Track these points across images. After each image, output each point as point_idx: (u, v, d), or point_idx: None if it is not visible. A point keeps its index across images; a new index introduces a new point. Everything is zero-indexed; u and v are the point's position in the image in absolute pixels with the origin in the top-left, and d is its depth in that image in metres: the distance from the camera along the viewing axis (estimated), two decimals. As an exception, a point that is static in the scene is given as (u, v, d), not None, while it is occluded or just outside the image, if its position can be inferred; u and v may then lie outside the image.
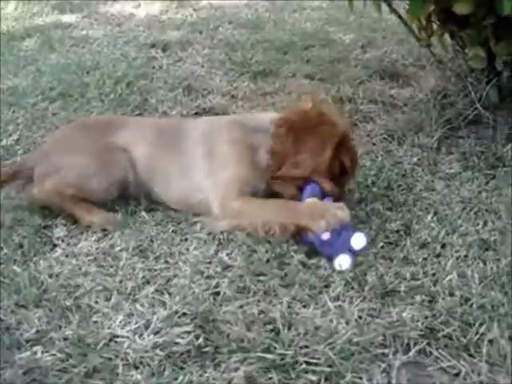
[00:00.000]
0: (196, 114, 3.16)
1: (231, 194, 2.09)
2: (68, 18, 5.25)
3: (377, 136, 2.84)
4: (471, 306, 1.72)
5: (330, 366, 1.52)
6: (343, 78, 3.60)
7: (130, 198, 2.30)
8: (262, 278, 1.87)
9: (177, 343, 1.61)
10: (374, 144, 2.78)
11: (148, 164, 2.28)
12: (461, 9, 2.46)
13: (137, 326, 1.67)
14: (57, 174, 2.22)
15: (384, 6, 2.90)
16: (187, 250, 2.03)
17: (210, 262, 1.96)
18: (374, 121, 3.03)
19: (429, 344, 1.61)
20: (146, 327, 1.66)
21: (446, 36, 2.92)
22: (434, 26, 2.89)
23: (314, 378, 1.49)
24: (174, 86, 3.51)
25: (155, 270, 1.93)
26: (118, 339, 1.62)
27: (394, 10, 2.92)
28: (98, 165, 2.23)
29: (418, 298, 1.75)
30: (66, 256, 2.01)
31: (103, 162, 2.24)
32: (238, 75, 3.71)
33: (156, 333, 1.64)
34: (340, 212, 1.94)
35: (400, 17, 2.94)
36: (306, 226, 1.95)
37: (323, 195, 2.07)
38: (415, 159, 2.60)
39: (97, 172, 2.22)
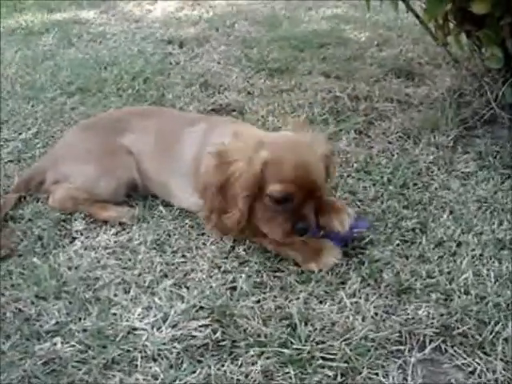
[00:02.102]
0: (212, 110, 3.17)
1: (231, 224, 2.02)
2: (85, 14, 5.28)
3: (392, 134, 2.84)
4: (486, 304, 1.72)
5: (346, 362, 1.53)
6: (359, 77, 3.60)
7: (140, 196, 2.32)
8: (278, 273, 1.89)
9: (194, 336, 1.63)
10: (390, 142, 2.78)
11: (150, 171, 2.30)
12: (478, 8, 2.46)
13: (155, 318, 1.69)
14: (66, 180, 2.27)
15: (400, 5, 2.90)
16: (204, 244, 2.05)
17: (226, 257, 1.98)
18: (390, 119, 3.03)
19: (444, 341, 1.62)
20: (164, 320, 1.68)
21: (463, 35, 2.91)
22: (451, 25, 2.88)
23: (330, 373, 1.50)
24: (190, 82, 3.52)
25: (173, 264, 1.95)
26: (137, 332, 1.65)
27: (411, 9, 2.92)
28: (104, 168, 2.26)
29: (433, 295, 1.76)
30: (85, 249, 2.03)
31: (109, 165, 2.27)
32: (254, 72, 3.72)
33: (174, 326, 1.66)
34: (330, 259, 1.91)
35: (417, 16, 2.94)
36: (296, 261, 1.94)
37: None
38: (431, 158, 2.60)
39: (103, 175, 2.25)
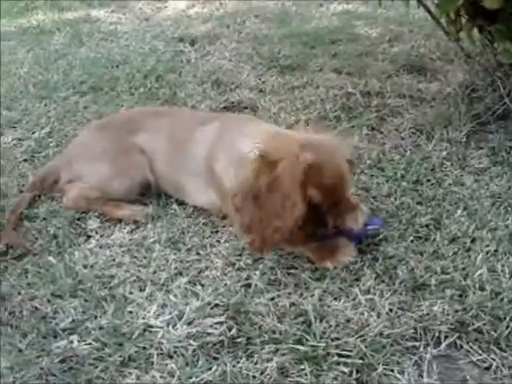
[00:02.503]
0: (224, 108, 3.17)
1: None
2: (96, 13, 5.30)
3: (405, 130, 2.84)
4: (501, 300, 1.72)
5: (361, 359, 1.54)
6: (370, 73, 3.59)
7: (154, 195, 2.33)
8: (292, 270, 1.90)
9: (210, 334, 1.63)
10: (403, 138, 2.77)
11: (163, 170, 2.31)
12: (490, 3, 2.44)
13: (170, 316, 1.70)
14: (80, 180, 2.29)
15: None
16: (218, 242, 2.06)
17: (240, 255, 1.98)
18: (402, 115, 3.02)
19: (459, 338, 1.62)
20: (180, 318, 1.69)
21: (475, 30, 2.90)
22: (463, 20, 2.87)
23: (345, 369, 1.51)
24: (202, 80, 3.53)
25: (187, 262, 1.95)
26: (153, 329, 1.66)
27: (422, 4, 2.91)
28: (118, 167, 2.28)
29: (448, 291, 1.76)
30: (100, 247, 2.05)
31: (123, 164, 2.28)
32: (265, 69, 3.72)
33: (189, 323, 1.67)
34: (344, 258, 1.90)
35: (429, 11, 2.93)
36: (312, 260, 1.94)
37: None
38: (444, 153, 2.59)
39: (117, 174, 2.27)
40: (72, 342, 1.63)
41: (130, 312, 1.73)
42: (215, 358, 1.57)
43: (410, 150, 2.65)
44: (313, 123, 2.51)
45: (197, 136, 2.24)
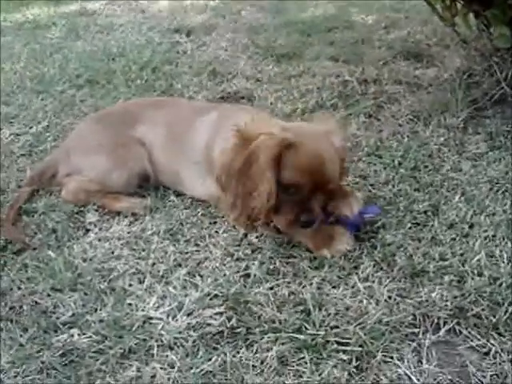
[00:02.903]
0: (221, 98, 3.17)
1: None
2: (92, 6, 5.31)
3: (402, 117, 2.84)
4: (500, 285, 1.72)
5: (360, 346, 1.54)
6: (367, 60, 3.59)
7: (152, 187, 2.33)
8: (291, 260, 1.90)
9: (209, 324, 1.64)
10: (400, 125, 2.78)
11: (162, 162, 2.31)
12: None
13: (170, 307, 1.70)
14: (79, 173, 2.29)
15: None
16: (217, 232, 2.06)
17: (239, 245, 1.99)
18: (400, 102, 3.02)
19: (458, 323, 1.62)
20: (179, 309, 1.69)
21: (471, 15, 2.89)
22: (459, 6, 2.86)
23: (345, 357, 1.51)
24: (198, 71, 3.53)
25: (186, 253, 1.96)
26: (153, 321, 1.66)
27: (418, -10, 2.90)
28: (115, 160, 2.27)
29: (446, 278, 1.76)
30: (99, 240, 2.05)
31: (121, 157, 2.28)
32: (262, 59, 3.72)
33: (189, 314, 1.67)
34: (342, 246, 1.90)
35: (424, -4, 2.93)
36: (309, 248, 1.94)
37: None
38: (442, 140, 2.60)
39: (115, 167, 2.27)
40: (72, 335, 1.63)
41: (130, 304, 1.73)
42: (215, 349, 1.57)
43: (408, 136, 2.65)
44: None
45: (195, 126, 2.24)
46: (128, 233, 2.08)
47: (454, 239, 1.95)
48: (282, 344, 1.56)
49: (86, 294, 1.78)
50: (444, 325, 1.62)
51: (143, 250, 1.98)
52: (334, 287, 1.77)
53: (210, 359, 1.53)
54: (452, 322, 1.63)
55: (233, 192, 1.92)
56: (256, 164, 1.84)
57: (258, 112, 2.32)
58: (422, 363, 1.52)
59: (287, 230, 1.94)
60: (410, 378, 1.48)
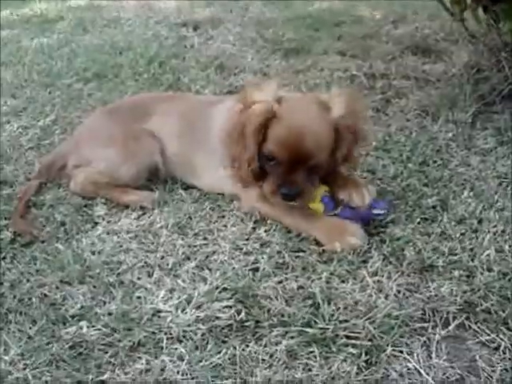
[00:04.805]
0: (229, 92, 3.17)
1: (254, 197, 2.08)
2: (99, 0, 5.28)
3: (410, 112, 2.83)
4: (509, 280, 1.72)
5: (370, 340, 1.54)
6: (375, 54, 3.58)
7: (161, 180, 2.33)
8: (300, 253, 1.90)
9: (218, 317, 1.64)
10: (408, 120, 2.77)
11: (175, 153, 2.31)
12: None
13: (179, 300, 1.70)
14: (88, 165, 2.29)
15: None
16: (225, 226, 2.06)
17: (248, 239, 1.98)
18: (408, 97, 3.02)
19: (468, 318, 1.62)
20: (188, 302, 1.69)
21: (480, 10, 2.88)
22: (468, 0, 2.85)
23: (354, 351, 1.51)
24: (206, 65, 3.52)
25: (195, 247, 1.95)
26: (162, 314, 1.66)
27: (427, -15, 2.89)
28: (125, 152, 2.26)
29: (456, 272, 1.76)
30: (108, 233, 2.05)
31: (131, 149, 2.27)
32: (269, 53, 3.71)
33: (198, 307, 1.67)
34: (353, 240, 1.89)
35: (433, -9, 2.92)
36: (320, 241, 1.94)
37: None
38: (450, 135, 2.59)
39: (125, 160, 2.26)
40: (81, 328, 1.63)
41: (139, 297, 1.73)
42: (224, 342, 1.57)
43: (416, 131, 2.64)
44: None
45: (211, 114, 2.25)
46: (136, 226, 2.08)
47: (463, 234, 1.94)
48: (291, 338, 1.56)
49: (94, 286, 1.78)
50: (453, 320, 1.62)
51: (152, 244, 1.97)
52: (342, 281, 1.76)
53: (219, 352, 1.53)
54: (461, 316, 1.62)
55: (231, 150, 2.04)
56: (244, 131, 1.95)
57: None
58: (431, 358, 1.51)
59: (272, 200, 1.98)
60: (419, 373, 1.47)
